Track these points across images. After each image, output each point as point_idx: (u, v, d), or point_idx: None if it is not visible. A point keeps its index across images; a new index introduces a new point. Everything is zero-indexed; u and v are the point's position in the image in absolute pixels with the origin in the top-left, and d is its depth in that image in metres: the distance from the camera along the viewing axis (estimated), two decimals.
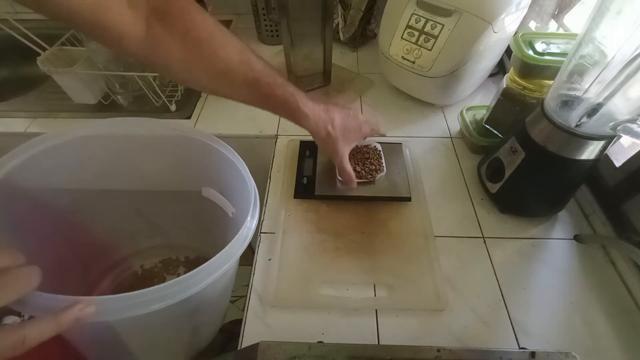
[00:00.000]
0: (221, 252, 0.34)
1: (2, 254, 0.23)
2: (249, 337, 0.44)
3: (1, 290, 0.22)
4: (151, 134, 0.46)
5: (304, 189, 0.57)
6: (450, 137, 0.68)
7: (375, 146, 0.61)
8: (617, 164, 0.52)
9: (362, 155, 0.60)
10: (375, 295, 0.47)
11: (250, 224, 0.38)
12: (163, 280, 0.62)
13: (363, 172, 0.57)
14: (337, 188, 0.57)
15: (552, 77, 0.46)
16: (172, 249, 0.66)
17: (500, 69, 0.79)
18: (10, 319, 0.52)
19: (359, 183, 0.56)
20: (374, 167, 0.58)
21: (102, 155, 0.47)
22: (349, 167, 0.51)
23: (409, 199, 0.56)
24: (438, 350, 0.35)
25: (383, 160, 0.59)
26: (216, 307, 0.52)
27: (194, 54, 0.38)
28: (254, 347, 0.36)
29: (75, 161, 0.44)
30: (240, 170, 0.42)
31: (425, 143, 0.67)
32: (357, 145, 0.60)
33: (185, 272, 0.65)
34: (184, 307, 0.35)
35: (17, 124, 0.70)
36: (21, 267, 0.24)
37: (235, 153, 0.44)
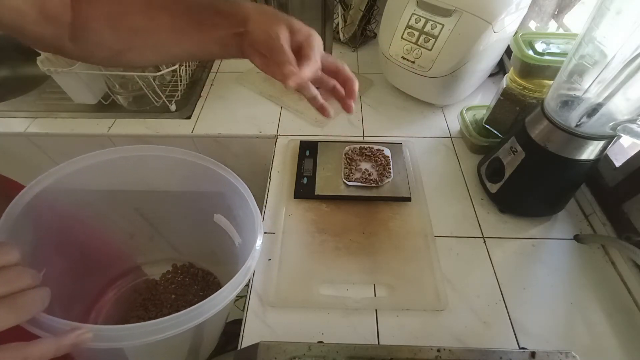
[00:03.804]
0: (229, 282, 0.36)
1: (25, 275, 0.25)
2: (249, 337, 0.44)
3: (19, 310, 0.24)
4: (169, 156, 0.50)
5: (304, 189, 0.57)
6: (450, 137, 0.68)
7: (384, 151, 0.62)
8: (617, 164, 0.52)
9: (375, 161, 0.60)
10: (375, 295, 0.47)
11: (255, 255, 0.41)
12: (167, 291, 0.64)
13: (376, 176, 0.58)
14: (338, 188, 0.57)
15: (552, 77, 0.46)
16: (177, 260, 0.69)
17: (500, 69, 0.79)
18: None
19: (366, 187, 0.57)
20: (383, 172, 0.59)
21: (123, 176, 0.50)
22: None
23: (409, 199, 0.56)
24: (438, 350, 0.35)
25: (391, 167, 0.60)
26: (218, 323, 0.53)
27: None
28: (254, 347, 0.36)
29: (96, 182, 0.50)
30: (249, 203, 0.45)
31: (425, 143, 0.67)
32: (370, 149, 0.62)
33: (186, 281, 0.66)
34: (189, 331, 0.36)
35: (17, 124, 0.70)
36: (37, 289, 0.25)
37: (246, 187, 0.46)
